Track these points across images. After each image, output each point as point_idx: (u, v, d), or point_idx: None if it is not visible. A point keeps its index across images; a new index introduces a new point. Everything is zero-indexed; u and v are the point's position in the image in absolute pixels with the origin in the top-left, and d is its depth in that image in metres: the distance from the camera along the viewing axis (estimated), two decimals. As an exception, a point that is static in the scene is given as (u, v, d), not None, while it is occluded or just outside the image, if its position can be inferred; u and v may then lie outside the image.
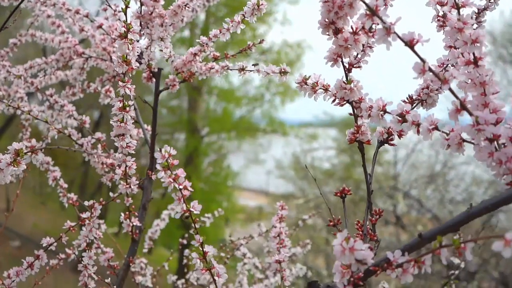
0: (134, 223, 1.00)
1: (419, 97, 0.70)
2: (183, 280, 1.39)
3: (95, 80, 1.30)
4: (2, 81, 1.26)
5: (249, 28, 10.90)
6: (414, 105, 0.71)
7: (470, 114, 0.53)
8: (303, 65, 10.23)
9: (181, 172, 0.64)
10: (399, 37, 0.52)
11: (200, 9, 1.14)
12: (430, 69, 0.52)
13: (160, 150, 0.62)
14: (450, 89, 0.52)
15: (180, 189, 0.64)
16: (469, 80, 0.58)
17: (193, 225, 0.67)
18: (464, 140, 0.56)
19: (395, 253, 0.53)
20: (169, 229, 1.49)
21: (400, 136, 0.69)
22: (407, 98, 0.71)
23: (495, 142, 0.53)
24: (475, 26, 0.74)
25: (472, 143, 0.55)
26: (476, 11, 0.75)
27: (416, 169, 7.56)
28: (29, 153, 0.69)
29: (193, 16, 1.15)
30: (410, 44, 0.52)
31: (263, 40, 1.02)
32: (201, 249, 0.67)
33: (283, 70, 0.86)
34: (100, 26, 1.07)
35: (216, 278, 0.66)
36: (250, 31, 11.01)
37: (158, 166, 0.63)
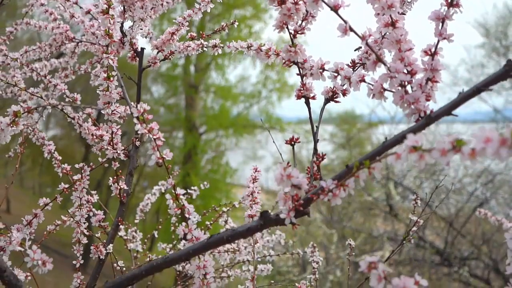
0: (122, 187, 1.11)
1: (360, 61, 0.82)
2: (170, 245, 1.51)
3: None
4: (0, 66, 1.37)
5: (245, 25, 11.01)
6: (356, 67, 0.82)
7: (385, 64, 0.64)
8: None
9: (155, 125, 0.76)
10: (325, 2, 0.63)
11: (180, -5, 1.26)
12: (351, 29, 0.64)
13: (136, 106, 0.74)
14: (367, 45, 0.64)
15: (155, 139, 0.75)
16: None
17: (167, 172, 0.78)
18: (385, 89, 0.68)
19: (327, 182, 0.65)
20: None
21: (344, 94, 0.80)
22: (350, 62, 0.83)
23: (406, 88, 0.64)
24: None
25: (391, 91, 0.67)
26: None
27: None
28: (26, 113, 0.81)
29: (175, 2, 1.27)
30: (334, 8, 0.64)
31: (235, 21, 1.14)
32: (174, 191, 0.79)
33: (249, 45, 0.98)
34: (88, 12, 1.18)
35: (187, 215, 0.78)
36: (246, 28, 11.13)
37: (134, 118, 0.75)
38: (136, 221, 1.55)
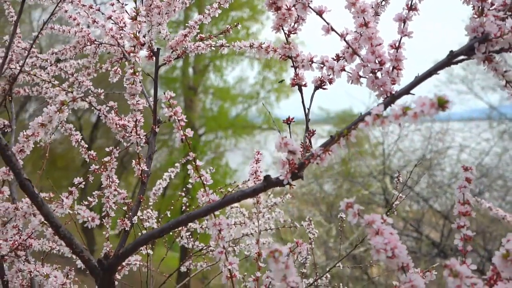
0: (143, 168, 1.29)
1: (343, 55, 1.00)
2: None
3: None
4: (30, 66, 1.55)
5: (243, 27, 11.21)
6: (340, 60, 1.00)
7: (359, 56, 0.82)
8: (295, 60, 10.56)
9: (179, 109, 0.94)
10: (312, 9, 0.81)
11: (188, 1, 1.44)
12: (332, 29, 0.82)
13: (164, 93, 0.92)
14: (345, 41, 0.82)
15: (179, 120, 0.93)
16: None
17: (187, 145, 0.96)
18: (360, 76, 0.86)
19: (316, 149, 0.82)
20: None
21: (330, 82, 0.98)
22: (335, 55, 1.01)
23: (376, 74, 0.82)
24: (383, 3, 1.03)
25: (364, 77, 0.85)
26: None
27: (407, 156, 7.89)
28: (72, 102, 0.98)
29: (183, 7, 1.45)
30: (319, 13, 0.82)
31: (238, 23, 1.32)
32: (194, 163, 0.96)
33: (251, 44, 1.16)
34: (109, 17, 1.36)
35: (205, 183, 0.96)
36: (244, 30, 11.32)
37: (162, 103, 0.93)
38: (150, 203, 1.73)
